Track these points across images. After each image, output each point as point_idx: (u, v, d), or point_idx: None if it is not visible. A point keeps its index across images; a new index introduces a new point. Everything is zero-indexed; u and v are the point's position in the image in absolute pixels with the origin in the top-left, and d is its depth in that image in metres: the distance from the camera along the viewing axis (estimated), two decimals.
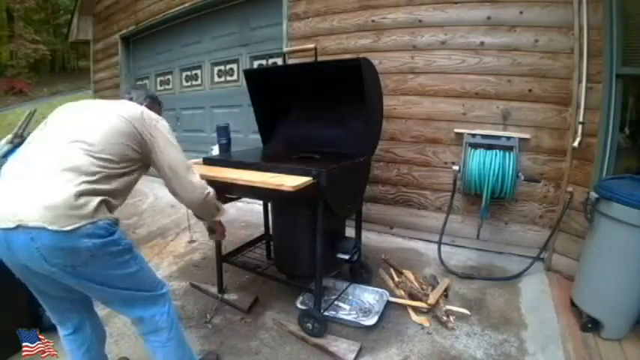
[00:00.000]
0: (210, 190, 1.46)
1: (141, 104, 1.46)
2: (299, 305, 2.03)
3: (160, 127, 1.35)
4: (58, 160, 1.11)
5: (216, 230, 1.77)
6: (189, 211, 2.28)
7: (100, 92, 6.10)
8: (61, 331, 1.43)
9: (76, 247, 1.06)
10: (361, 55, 2.56)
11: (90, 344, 1.44)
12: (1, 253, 1.10)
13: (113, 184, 1.19)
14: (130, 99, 1.52)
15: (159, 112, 1.54)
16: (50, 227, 1.01)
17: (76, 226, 1.05)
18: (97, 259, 1.11)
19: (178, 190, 1.39)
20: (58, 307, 1.38)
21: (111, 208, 1.18)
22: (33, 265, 1.09)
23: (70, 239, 1.04)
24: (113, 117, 1.25)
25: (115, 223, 1.18)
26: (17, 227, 1.01)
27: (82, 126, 1.22)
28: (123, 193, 1.27)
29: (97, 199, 1.11)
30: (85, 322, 1.43)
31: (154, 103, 1.60)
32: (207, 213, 1.57)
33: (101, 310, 2.09)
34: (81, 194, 1.07)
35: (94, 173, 1.13)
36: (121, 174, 1.23)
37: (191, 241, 3.04)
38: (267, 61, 3.80)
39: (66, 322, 1.41)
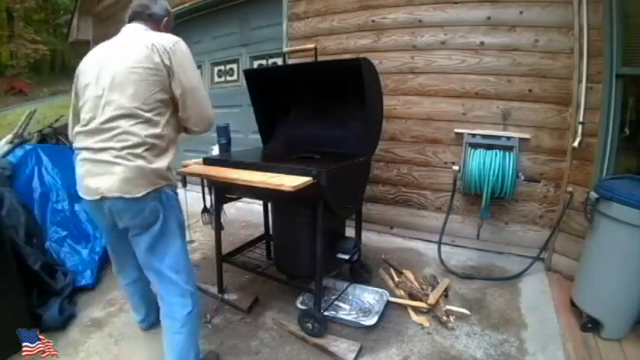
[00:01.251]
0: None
1: (162, 19, 1.50)
2: (299, 305, 2.03)
3: (177, 49, 1.34)
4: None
5: None
6: (189, 212, 2.30)
7: None
8: (120, 281, 1.76)
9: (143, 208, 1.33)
10: (361, 55, 2.57)
11: (143, 293, 1.78)
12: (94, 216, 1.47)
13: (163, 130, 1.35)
14: (152, 15, 1.46)
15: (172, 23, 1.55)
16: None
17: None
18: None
19: (197, 120, 1.42)
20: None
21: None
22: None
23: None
24: (139, 71, 1.28)
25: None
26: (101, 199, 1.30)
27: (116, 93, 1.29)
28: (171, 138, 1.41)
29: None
30: (142, 277, 1.62)
31: (170, 17, 1.55)
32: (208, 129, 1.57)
33: (101, 311, 2.10)
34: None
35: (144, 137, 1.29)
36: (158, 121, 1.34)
37: (191, 242, 3.03)
38: (267, 61, 3.80)
39: (124, 273, 1.72)
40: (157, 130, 1.31)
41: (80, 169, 1.34)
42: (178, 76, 1.32)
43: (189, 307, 1.46)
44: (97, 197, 1.30)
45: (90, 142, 1.30)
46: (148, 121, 1.29)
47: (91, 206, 1.38)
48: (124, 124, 1.26)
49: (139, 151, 1.27)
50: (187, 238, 3.04)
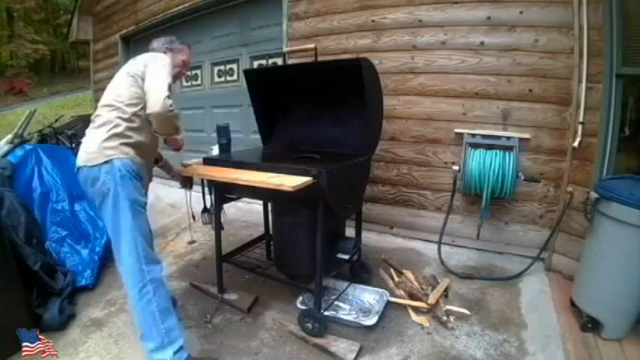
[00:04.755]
0: (175, 110, 1.62)
1: (163, 52, 1.87)
2: (299, 305, 2.03)
3: (155, 58, 1.70)
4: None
5: (173, 145, 1.81)
6: (191, 211, 2.30)
7: (100, 92, 6.08)
8: None
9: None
10: (361, 55, 2.57)
11: None
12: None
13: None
14: (153, 49, 1.90)
15: (183, 52, 1.94)
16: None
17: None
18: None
19: (149, 95, 1.56)
20: None
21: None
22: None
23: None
24: (123, 75, 1.68)
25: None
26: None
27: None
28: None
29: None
30: None
31: (174, 46, 1.92)
32: (168, 127, 1.65)
33: (100, 311, 2.10)
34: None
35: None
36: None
37: (191, 242, 3.03)
38: (267, 61, 3.79)
39: None
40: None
41: None
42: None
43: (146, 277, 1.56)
44: None
45: None
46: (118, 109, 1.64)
47: None
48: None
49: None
50: (188, 239, 3.07)
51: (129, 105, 1.62)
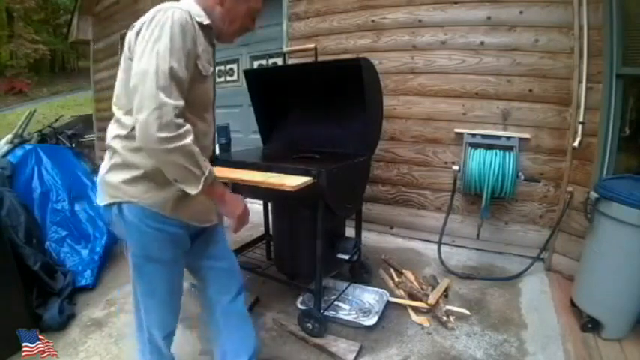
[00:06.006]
0: (186, 136, 0.93)
1: None
2: (299, 305, 2.03)
3: (154, 16, 0.98)
4: None
5: (225, 211, 1.15)
6: None
7: (101, 92, 6.10)
8: None
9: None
10: (361, 55, 2.57)
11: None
12: None
13: None
14: None
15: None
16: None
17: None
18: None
19: (134, 109, 0.92)
20: None
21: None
22: None
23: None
24: (124, 57, 1.07)
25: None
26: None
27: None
28: None
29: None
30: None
31: None
32: (170, 169, 0.96)
33: (100, 311, 2.10)
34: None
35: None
36: None
37: None
38: (267, 61, 3.79)
39: None
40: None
41: None
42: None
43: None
44: None
45: None
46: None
47: None
48: None
49: None
50: None
51: (128, 113, 1.01)
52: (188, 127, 0.95)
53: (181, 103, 0.94)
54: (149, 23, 0.97)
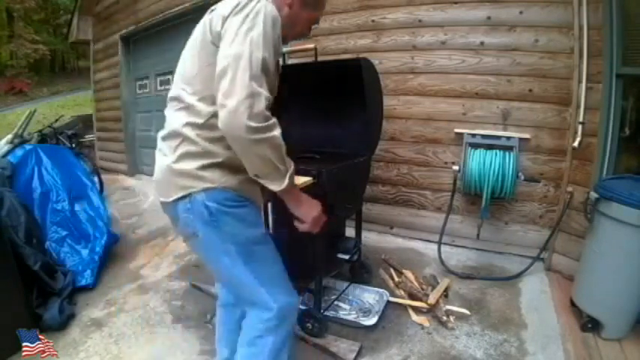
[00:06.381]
0: (274, 128, 0.93)
1: None
2: (299, 305, 2.03)
3: (240, 15, 0.95)
4: None
5: (297, 215, 1.12)
6: None
7: (101, 92, 6.10)
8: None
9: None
10: (361, 55, 2.57)
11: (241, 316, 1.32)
12: None
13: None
14: None
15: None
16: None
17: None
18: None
19: (218, 94, 0.90)
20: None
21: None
22: None
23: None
24: (197, 39, 1.07)
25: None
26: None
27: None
28: None
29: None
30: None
31: None
32: (255, 161, 0.95)
33: (100, 311, 2.10)
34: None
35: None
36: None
37: None
38: None
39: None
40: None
41: None
42: None
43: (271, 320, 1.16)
44: None
45: None
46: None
47: None
48: None
49: None
50: None
51: (204, 99, 1.00)
52: (275, 120, 0.93)
53: (269, 94, 0.93)
54: (241, 9, 0.96)
